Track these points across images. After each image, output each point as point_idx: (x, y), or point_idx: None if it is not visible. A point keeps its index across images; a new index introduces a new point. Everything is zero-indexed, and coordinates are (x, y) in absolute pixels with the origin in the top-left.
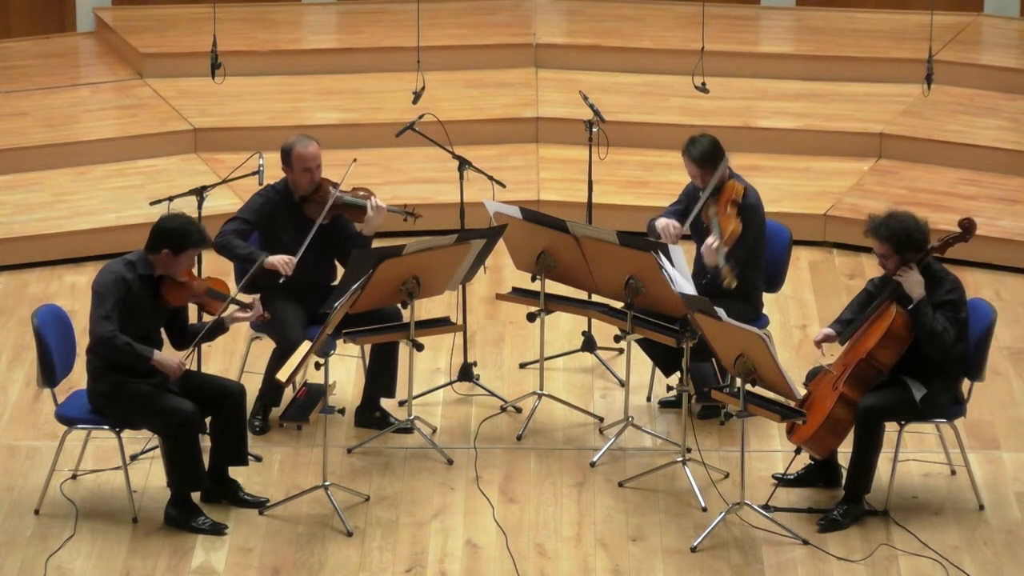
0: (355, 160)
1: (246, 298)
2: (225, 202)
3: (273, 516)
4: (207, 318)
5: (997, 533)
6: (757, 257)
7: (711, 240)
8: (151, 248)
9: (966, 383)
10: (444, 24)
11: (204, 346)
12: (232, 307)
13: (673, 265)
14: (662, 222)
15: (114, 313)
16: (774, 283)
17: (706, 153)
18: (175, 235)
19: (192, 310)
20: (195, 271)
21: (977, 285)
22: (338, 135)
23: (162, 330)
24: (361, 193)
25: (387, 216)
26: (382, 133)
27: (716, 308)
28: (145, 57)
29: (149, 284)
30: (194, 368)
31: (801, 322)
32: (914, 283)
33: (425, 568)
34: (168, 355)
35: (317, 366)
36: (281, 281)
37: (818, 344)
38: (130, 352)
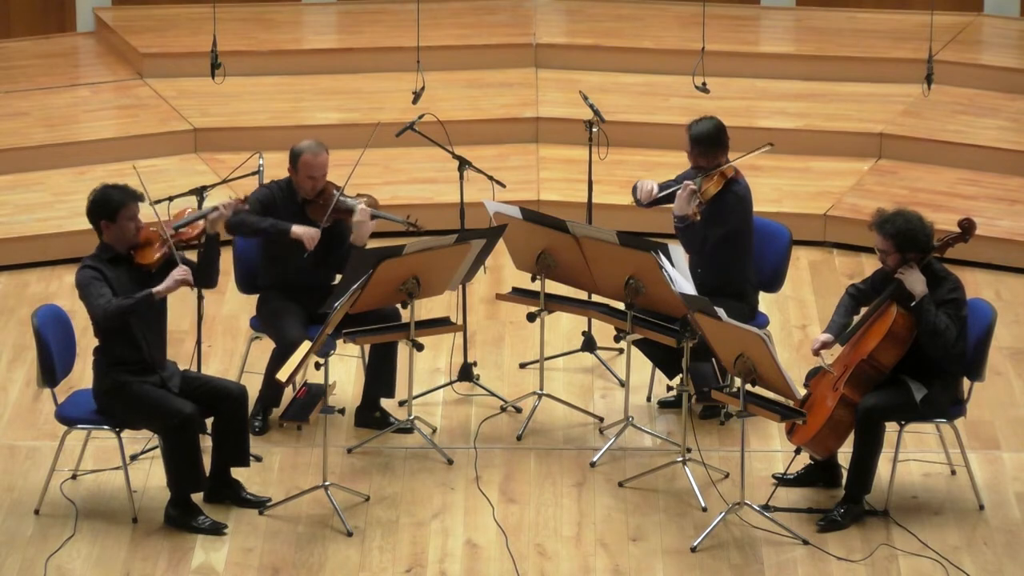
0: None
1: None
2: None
3: (273, 516)
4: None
5: (997, 533)
6: (746, 253)
7: (691, 183)
8: (95, 229)
9: (966, 383)
10: (444, 24)
11: (204, 347)
12: (210, 217)
13: (673, 265)
14: (643, 183)
15: (106, 291)
16: (774, 283)
17: (703, 134)
18: (99, 205)
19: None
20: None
21: (977, 285)
22: (338, 135)
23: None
24: (369, 200)
25: (379, 223)
26: (382, 133)
27: (716, 308)
28: (145, 57)
29: (120, 263)
30: (194, 368)
31: (801, 322)
32: (916, 281)
33: (425, 568)
34: (166, 280)
35: (317, 366)
36: (304, 256)
37: (816, 352)
38: (131, 304)
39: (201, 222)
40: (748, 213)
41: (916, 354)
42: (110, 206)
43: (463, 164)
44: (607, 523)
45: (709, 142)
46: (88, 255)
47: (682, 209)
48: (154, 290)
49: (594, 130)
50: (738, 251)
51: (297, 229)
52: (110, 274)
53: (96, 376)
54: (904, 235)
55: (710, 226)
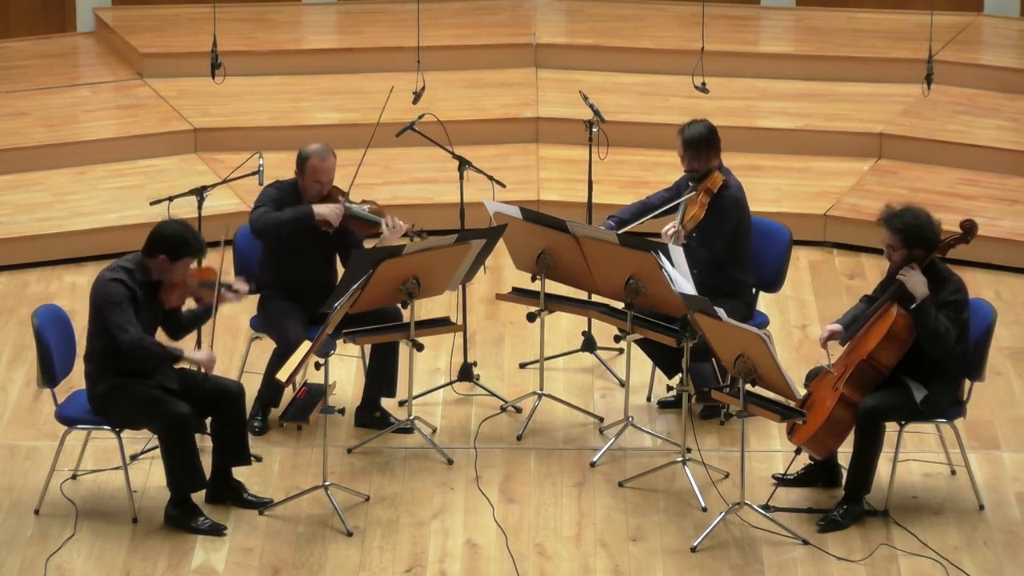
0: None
1: (235, 282)
2: (225, 202)
3: (273, 516)
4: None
5: (997, 533)
6: (742, 253)
7: (669, 226)
8: (148, 252)
9: (966, 383)
10: (444, 24)
11: (204, 347)
12: (224, 295)
13: (673, 265)
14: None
15: (134, 318)
16: (774, 283)
17: (695, 137)
18: (173, 242)
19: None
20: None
21: (977, 285)
22: (338, 135)
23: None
24: (374, 208)
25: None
26: (382, 133)
27: (716, 308)
28: (145, 57)
29: (148, 290)
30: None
31: (801, 322)
32: (917, 282)
33: (425, 568)
34: (196, 350)
35: (317, 366)
36: (331, 232)
37: (824, 343)
38: (161, 352)
39: (222, 292)
40: (745, 212)
41: (916, 355)
42: (182, 250)
43: (463, 164)
44: (607, 523)
45: (701, 144)
46: (120, 264)
47: (676, 243)
48: (183, 353)
49: (594, 130)
50: (736, 250)
51: (319, 209)
52: (139, 298)
53: (90, 380)
54: (912, 230)
55: (711, 240)
